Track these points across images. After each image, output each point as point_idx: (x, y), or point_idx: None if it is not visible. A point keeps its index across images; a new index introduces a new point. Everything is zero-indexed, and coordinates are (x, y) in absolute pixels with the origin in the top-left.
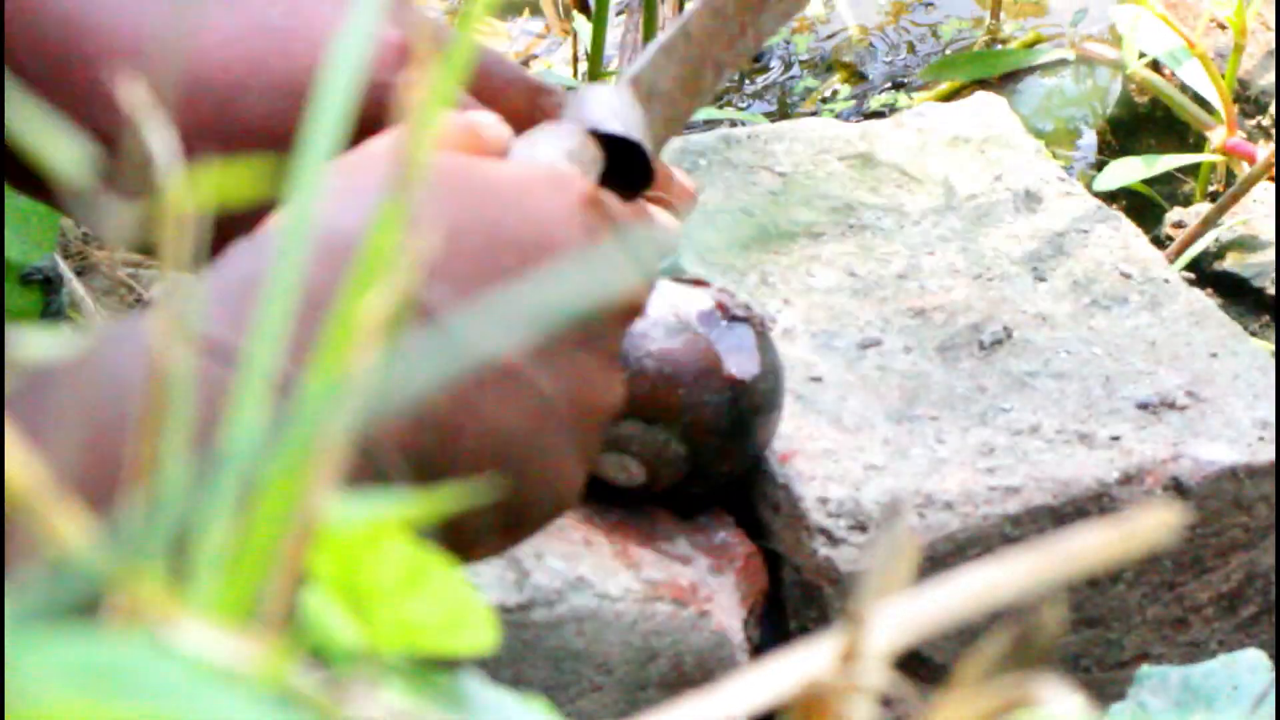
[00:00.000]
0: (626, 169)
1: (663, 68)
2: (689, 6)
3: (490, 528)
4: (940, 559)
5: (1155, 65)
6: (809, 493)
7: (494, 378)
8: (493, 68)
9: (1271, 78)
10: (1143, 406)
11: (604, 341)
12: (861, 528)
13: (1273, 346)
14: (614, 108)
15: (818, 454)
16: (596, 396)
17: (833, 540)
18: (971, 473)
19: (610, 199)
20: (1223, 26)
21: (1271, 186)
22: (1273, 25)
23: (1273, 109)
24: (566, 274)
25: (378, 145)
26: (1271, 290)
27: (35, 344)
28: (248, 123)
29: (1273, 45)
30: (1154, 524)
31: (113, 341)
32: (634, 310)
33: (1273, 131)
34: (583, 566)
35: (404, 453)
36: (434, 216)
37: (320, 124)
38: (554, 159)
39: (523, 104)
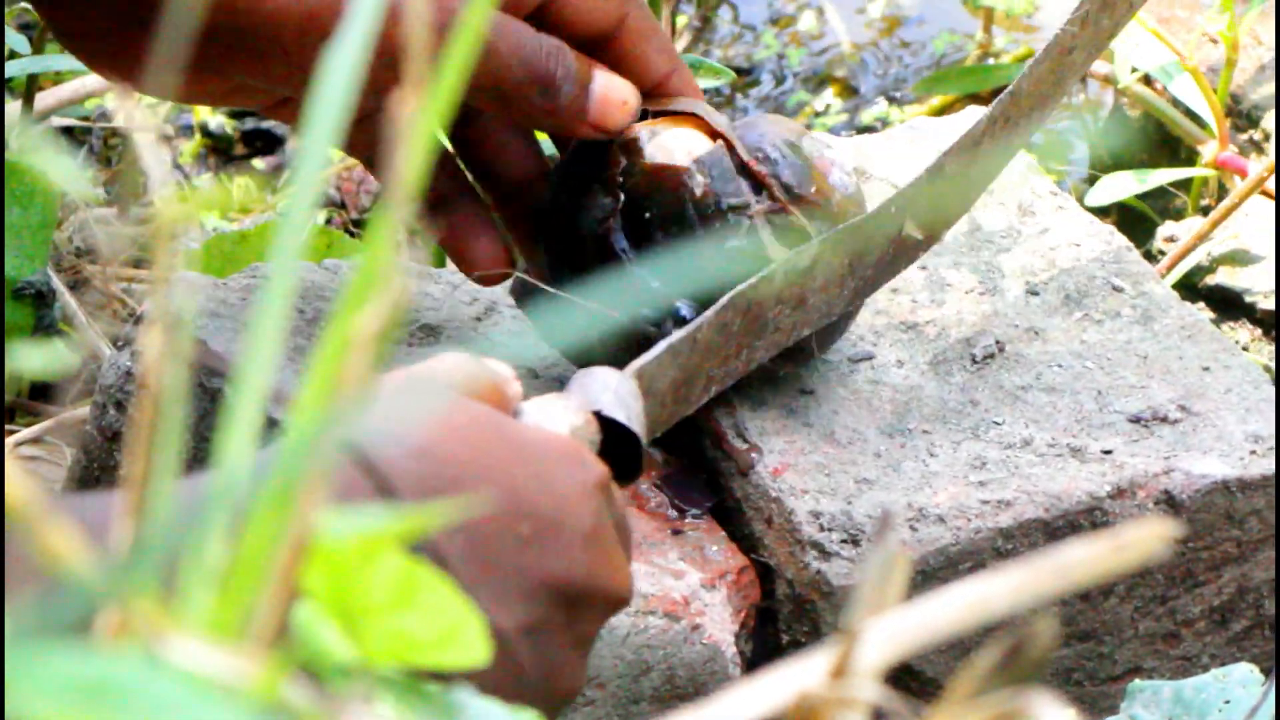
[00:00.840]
0: (617, 456)
1: (665, 368)
2: (701, 316)
3: None
4: (932, 573)
5: (1147, 79)
6: (801, 506)
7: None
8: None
9: (1263, 92)
10: (1135, 420)
11: (584, 629)
12: (854, 541)
13: (1264, 360)
14: (620, 394)
15: (810, 468)
16: (564, 682)
17: (825, 554)
18: (963, 486)
19: (616, 495)
20: (1214, 41)
21: (1263, 200)
22: (1265, 40)
23: (1265, 123)
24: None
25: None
26: (1263, 304)
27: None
28: None
29: (1265, 60)
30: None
31: None
32: (621, 604)
33: (1265, 146)
34: None
35: None
36: (461, 456)
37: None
38: (561, 432)
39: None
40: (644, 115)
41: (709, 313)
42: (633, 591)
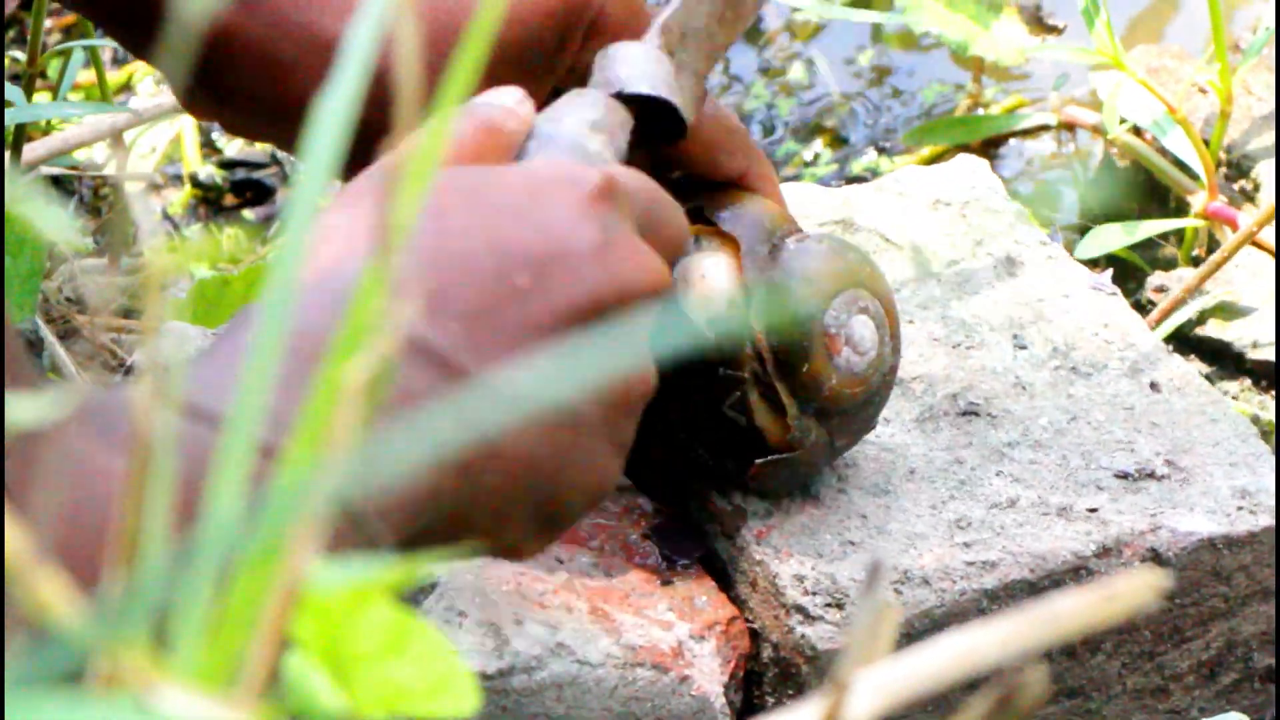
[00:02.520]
0: (660, 124)
1: (694, 6)
2: None
3: (530, 530)
4: (918, 636)
5: (1136, 130)
6: (785, 570)
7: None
8: None
9: (1255, 143)
10: (1121, 476)
11: (632, 329)
12: (838, 605)
13: (1253, 411)
14: (640, 66)
15: (794, 530)
16: (627, 389)
17: (809, 618)
18: (948, 548)
19: (632, 180)
20: (1203, 91)
21: (1254, 251)
22: (1255, 90)
23: (1254, 173)
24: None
25: (384, 166)
26: (1253, 355)
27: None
28: None
29: (1256, 110)
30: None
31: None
32: (660, 289)
33: (1255, 196)
34: (563, 632)
35: (426, 499)
36: (440, 244)
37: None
38: (578, 132)
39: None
40: (699, 210)
41: None
42: (668, 276)
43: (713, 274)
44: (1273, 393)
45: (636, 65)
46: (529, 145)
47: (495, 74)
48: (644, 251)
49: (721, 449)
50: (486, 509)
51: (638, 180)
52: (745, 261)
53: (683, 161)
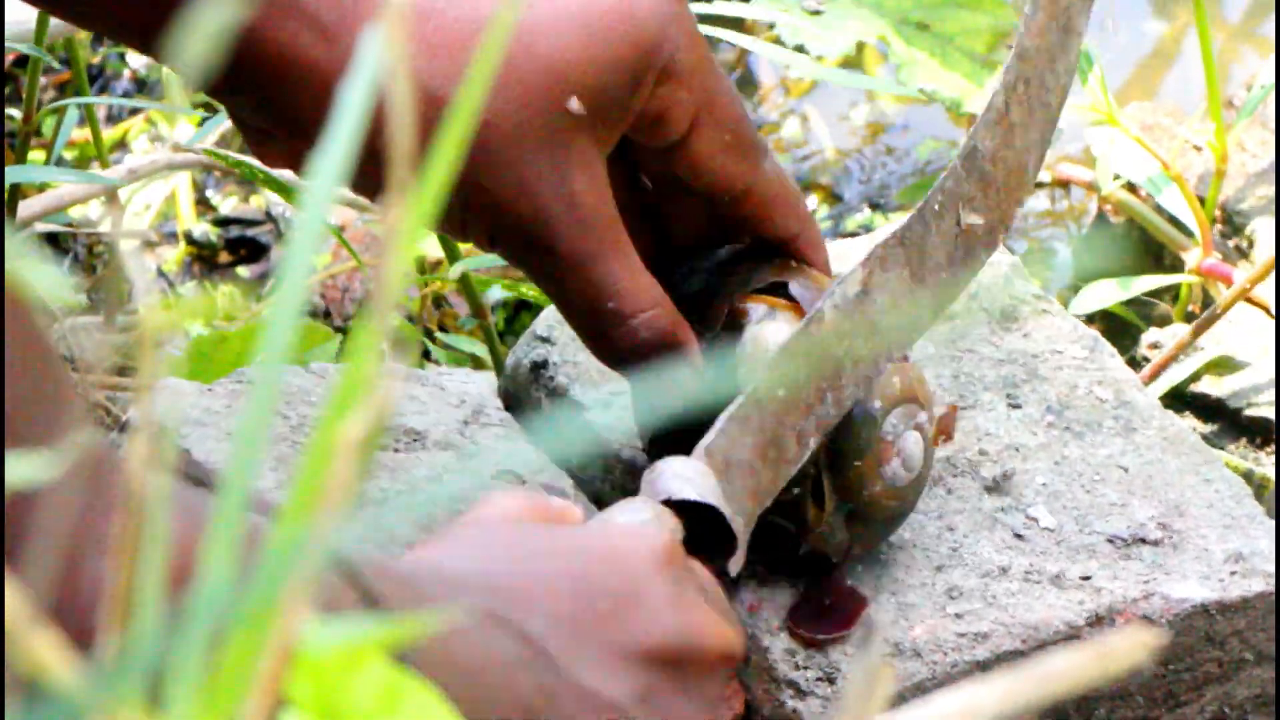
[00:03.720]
0: (711, 538)
1: (736, 438)
2: (761, 372)
3: None
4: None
5: (1131, 186)
6: (777, 644)
7: (602, 710)
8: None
9: (1250, 200)
10: (1113, 541)
11: (701, 688)
12: (829, 680)
13: (1247, 466)
14: (686, 476)
15: (787, 603)
16: (687, 639)
17: (801, 692)
18: (940, 619)
19: (693, 563)
20: (1198, 148)
21: (1248, 308)
22: (1250, 148)
23: (1249, 229)
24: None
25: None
26: (1249, 412)
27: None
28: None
29: (1250, 168)
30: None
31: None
32: (730, 658)
33: (1249, 253)
34: None
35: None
36: (525, 568)
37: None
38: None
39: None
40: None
41: (762, 373)
42: (741, 645)
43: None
44: (1267, 449)
45: (683, 475)
46: None
47: (570, 119)
48: (714, 615)
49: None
50: None
51: (698, 566)
52: None
53: (742, 219)
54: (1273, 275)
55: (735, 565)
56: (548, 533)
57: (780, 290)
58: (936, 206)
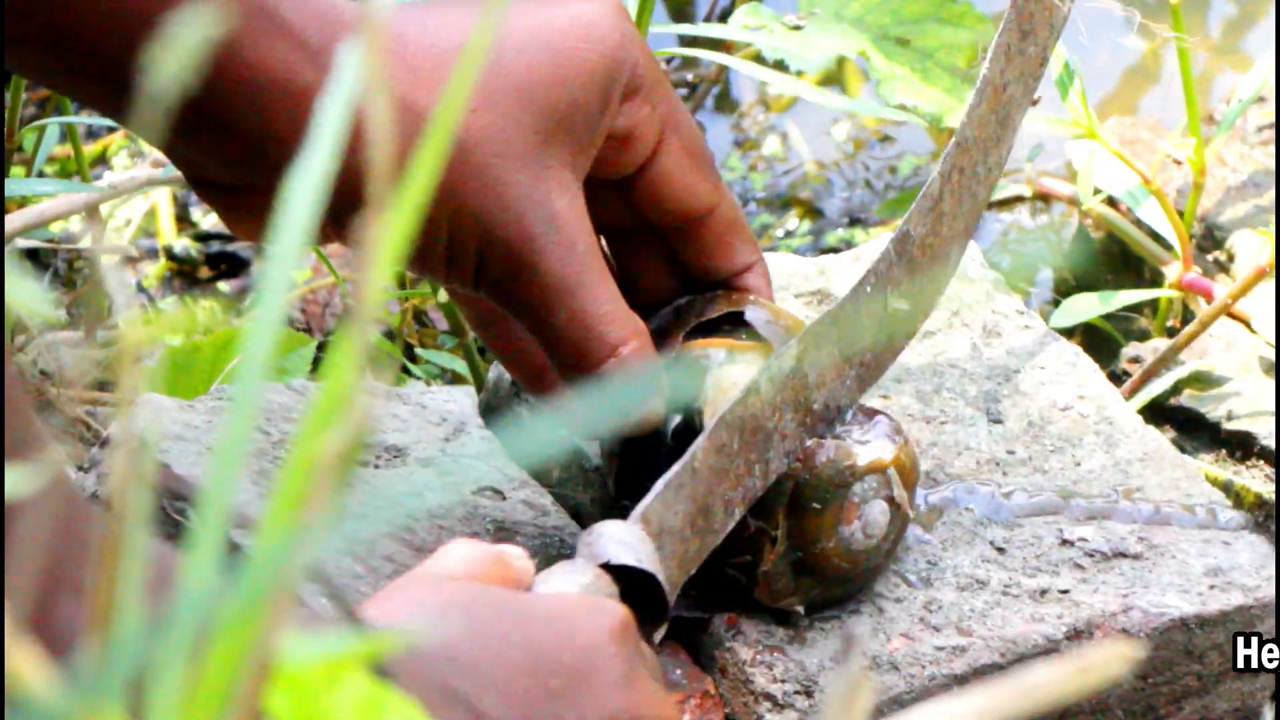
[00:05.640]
0: (644, 604)
1: (671, 504)
2: (695, 443)
3: None
4: None
5: (1111, 200)
6: (755, 657)
7: None
8: None
9: (1228, 214)
10: (1092, 554)
11: (604, 670)
12: (807, 693)
13: (1226, 477)
14: (625, 541)
15: (764, 617)
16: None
17: (778, 705)
18: (918, 632)
19: (641, 641)
20: (1178, 163)
21: (1228, 321)
22: (1230, 162)
23: (1229, 244)
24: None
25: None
26: (1229, 425)
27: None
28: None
29: (1230, 181)
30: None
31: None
32: (624, 638)
33: (1229, 267)
34: None
35: None
36: (477, 636)
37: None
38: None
39: None
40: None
41: (700, 440)
42: None
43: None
44: (1247, 462)
45: (622, 540)
46: None
47: (549, 137)
48: (660, 693)
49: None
50: None
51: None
52: None
53: (703, 248)
54: (1256, 290)
55: (659, 634)
56: (505, 599)
57: (735, 321)
58: (869, 288)
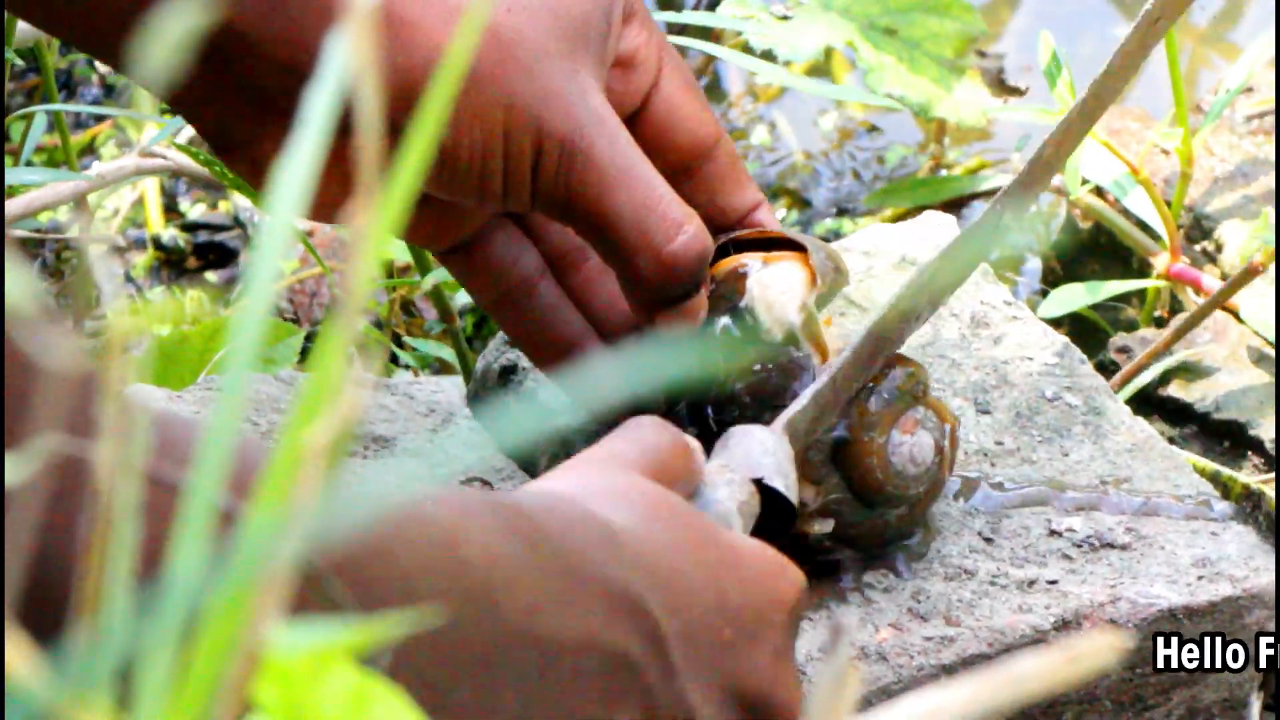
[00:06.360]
0: (774, 512)
1: (809, 413)
2: (839, 354)
3: None
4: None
5: (1099, 191)
6: None
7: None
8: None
9: (1217, 204)
10: (1080, 545)
11: (768, 638)
12: None
13: (1214, 467)
14: (778, 461)
15: None
16: (773, 694)
17: None
18: (905, 622)
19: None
20: (1166, 152)
21: (1217, 313)
22: (1217, 152)
23: (1217, 234)
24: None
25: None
26: (1218, 415)
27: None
28: None
29: (1218, 171)
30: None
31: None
32: (796, 610)
33: (1217, 257)
34: None
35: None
36: (675, 557)
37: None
38: (730, 510)
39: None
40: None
41: (848, 350)
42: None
43: (791, 284)
44: (1235, 453)
45: (775, 458)
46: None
47: (574, 45)
48: (796, 678)
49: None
50: None
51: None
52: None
53: (712, 182)
54: (1252, 286)
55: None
56: (706, 527)
57: (764, 246)
58: (999, 208)
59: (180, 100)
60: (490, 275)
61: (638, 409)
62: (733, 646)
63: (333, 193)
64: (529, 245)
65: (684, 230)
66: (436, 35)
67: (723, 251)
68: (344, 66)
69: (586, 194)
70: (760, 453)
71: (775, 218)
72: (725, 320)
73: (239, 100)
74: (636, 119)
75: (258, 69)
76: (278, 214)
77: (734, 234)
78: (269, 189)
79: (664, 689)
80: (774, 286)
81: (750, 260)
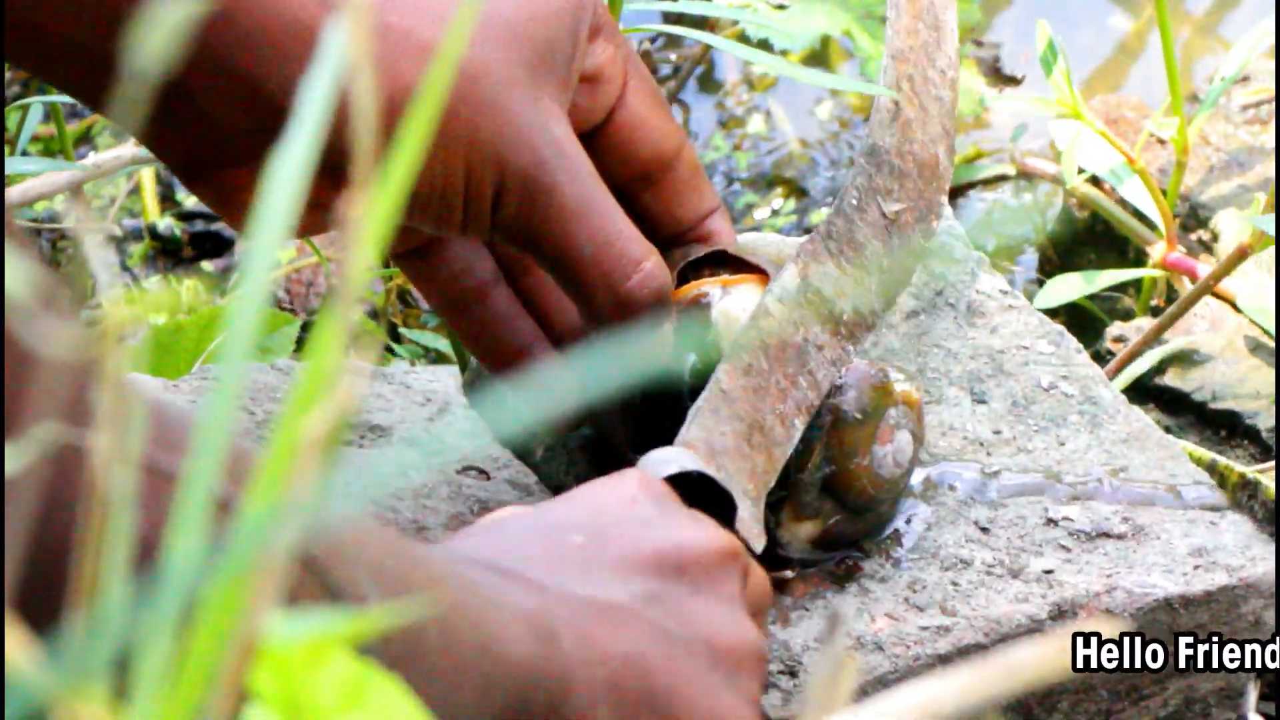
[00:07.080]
0: (710, 506)
1: (712, 427)
2: (717, 370)
3: None
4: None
5: (1095, 180)
6: None
7: (607, 611)
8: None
9: (1213, 193)
10: (1076, 534)
11: (716, 586)
12: (791, 673)
13: (1211, 456)
14: (666, 458)
15: None
16: (731, 639)
17: (763, 686)
18: (902, 612)
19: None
20: (1161, 142)
21: (1212, 300)
22: (1213, 141)
23: (1213, 223)
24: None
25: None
26: (1215, 405)
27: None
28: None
29: (1214, 160)
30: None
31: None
32: (732, 554)
33: (1213, 246)
34: None
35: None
36: (511, 536)
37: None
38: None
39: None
40: (695, 264)
41: (722, 366)
42: (737, 542)
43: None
44: (1232, 442)
45: (663, 458)
46: None
47: (537, 72)
48: (705, 522)
49: None
50: None
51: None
52: None
53: (671, 194)
54: (1240, 269)
55: (757, 542)
56: (534, 508)
57: (717, 262)
58: (854, 200)
59: (147, 134)
60: (444, 280)
61: (590, 414)
62: (590, 543)
63: (307, 214)
64: (483, 251)
65: (641, 269)
66: (428, 41)
67: (682, 277)
68: (338, 66)
69: (546, 229)
70: (655, 463)
71: (730, 226)
72: (691, 358)
73: (202, 131)
74: (600, 132)
75: (221, 102)
76: (273, 202)
77: (690, 256)
78: (238, 216)
79: (554, 598)
80: (739, 317)
81: (711, 289)
